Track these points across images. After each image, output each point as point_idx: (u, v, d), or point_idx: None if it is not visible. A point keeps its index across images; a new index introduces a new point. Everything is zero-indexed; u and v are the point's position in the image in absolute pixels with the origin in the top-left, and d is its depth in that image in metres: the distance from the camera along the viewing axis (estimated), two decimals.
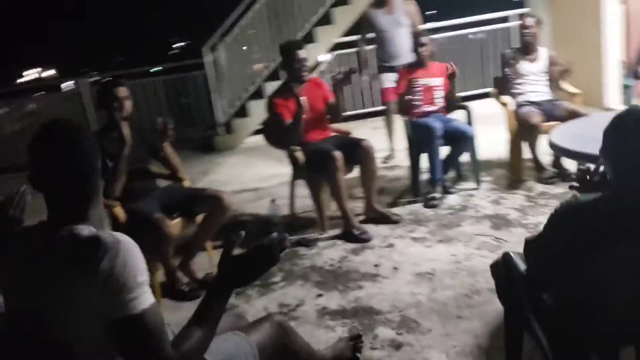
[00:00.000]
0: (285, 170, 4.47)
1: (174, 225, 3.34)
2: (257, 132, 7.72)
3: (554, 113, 4.41)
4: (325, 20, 7.46)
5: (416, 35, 4.71)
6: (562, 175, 4.38)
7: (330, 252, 3.74)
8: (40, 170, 1.42)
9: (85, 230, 1.39)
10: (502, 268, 2.06)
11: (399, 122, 5.05)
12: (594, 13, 6.20)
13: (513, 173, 4.51)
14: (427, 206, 4.24)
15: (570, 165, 4.37)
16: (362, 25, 5.65)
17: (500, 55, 4.87)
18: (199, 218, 3.52)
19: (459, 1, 7.19)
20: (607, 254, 1.48)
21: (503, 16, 8.02)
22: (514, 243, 3.44)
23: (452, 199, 4.34)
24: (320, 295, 3.18)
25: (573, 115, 4.29)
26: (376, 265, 3.43)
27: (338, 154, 3.84)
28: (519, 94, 4.61)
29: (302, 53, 4.02)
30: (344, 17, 7.36)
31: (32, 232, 1.48)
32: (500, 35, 7.96)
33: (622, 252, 1.47)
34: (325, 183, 4.04)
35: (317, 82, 4.25)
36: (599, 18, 6.16)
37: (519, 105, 4.53)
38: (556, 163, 4.49)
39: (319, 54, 7.54)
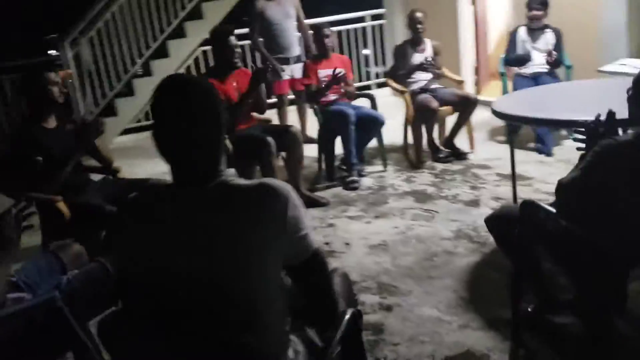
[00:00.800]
0: None
1: None
2: (126, 131, 7.46)
3: (446, 98, 4.90)
4: (196, 14, 7.34)
5: (320, 27, 4.91)
6: (455, 154, 4.88)
7: None
8: (181, 125, 1.37)
9: (241, 180, 1.39)
10: (504, 219, 2.35)
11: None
12: (450, 13, 6.90)
13: (415, 154, 4.91)
14: (347, 189, 4.47)
15: (462, 144, 4.91)
16: (253, 17, 5.44)
17: (393, 47, 5.25)
18: None
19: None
20: None
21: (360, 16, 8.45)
22: (444, 212, 3.82)
23: (366, 181, 4.61)
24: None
25: (464, 99, 4.84)
26: (327, 243, 3.57)
27: (271, 140, 3.91)
28: (413, 82, 5.03)
29: (233, 40, 4.01)
30: (215, 11, 7.33)
31: (167, 194, 1.42)
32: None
33: None
34: (254, 170, 4.08)
35: (245, 71, 4.25)
36: (456, 18, 6.89)
37: (414, 93, 4.95)
38: (448, 143, 4.98)
39: (190, 49, 7.42)
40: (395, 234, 3.60)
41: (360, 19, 8.49)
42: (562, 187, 2.03)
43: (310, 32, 5.29)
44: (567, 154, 4.65)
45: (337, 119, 4.57)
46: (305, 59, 5.29)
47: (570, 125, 3.01)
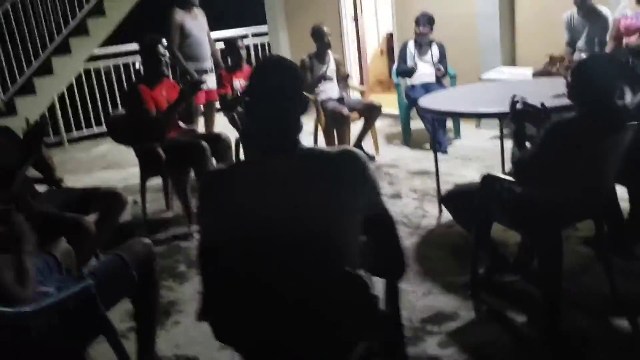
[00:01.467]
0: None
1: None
2: None
3: (352, 106, 5.31)
4: (82, 31, 7.13)
5: (235, 40, 5.10)
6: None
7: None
8: (276, 98, 1.56)
9: (318, 148, 1.61)
10: (460, 196, 2.75)
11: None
12: (335, 30, 7.39)
13: None
14: None
15: (368, 148, 5.34)
16: (172, 28, 5.29)
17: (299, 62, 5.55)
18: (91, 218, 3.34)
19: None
20: (587, 150, 2.28)
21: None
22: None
23: None
24: None
25: (369, 106, 5.29)
26: None
27: (206, 145, 4.02)
28: (321, 92, 5.39)
29: (161, 49, 4.07)
30: (101, 28, 7.19)
31: (254, 165, 1.58)
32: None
33: (595, 148, 2.29)
34: (188, 176, 4.17)
35: (172, 83, 4.31)
36: (341, 34, 7.40)
37: (324, 102, 5.31)
38: (356, 147, 5.37)
39: (76, 66, 7.19)
40: None
41: (243, 37, 8.75)
42: (523, 161, 2.44)
43: (219, 44, 5.44)
44: (459, 151, 5.27)
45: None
46: (217, 70, 5.42)
47: (489, 115, 3.57)
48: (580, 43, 4.82)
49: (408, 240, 3.54)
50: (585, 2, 4.70)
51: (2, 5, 6.61)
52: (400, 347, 1.98)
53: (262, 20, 8.33)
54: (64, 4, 6.95)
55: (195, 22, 5.43)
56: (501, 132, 4.21)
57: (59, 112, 7.32)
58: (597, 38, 4.70)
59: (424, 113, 3.72)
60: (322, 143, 5.46)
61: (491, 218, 2.67)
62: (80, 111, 7.51)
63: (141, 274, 2.20)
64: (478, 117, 4.29)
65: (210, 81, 5.22)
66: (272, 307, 1.54)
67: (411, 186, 4.52)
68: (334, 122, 5.20)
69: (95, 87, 7.50)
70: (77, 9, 7.02)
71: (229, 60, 5.15)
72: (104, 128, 6.73)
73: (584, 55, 4.68)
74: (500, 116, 3.55)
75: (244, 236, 1.54)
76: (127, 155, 6.41)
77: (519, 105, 2.59)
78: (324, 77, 5.28)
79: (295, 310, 1.53)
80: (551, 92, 3.21)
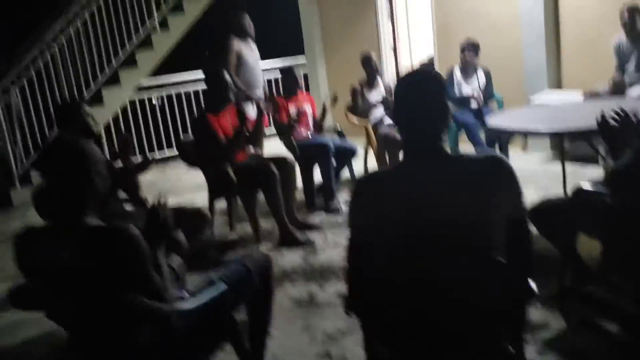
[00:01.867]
0: None
1: None
2: None
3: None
4: (130, 62, 7.39)
5: (292, 69, 5.29)
6: None
7: (285, 258, 4.01)
8: (426, 105, 1.68)
9: (465, 154, 1.73)
10: (547, 211, 2.83)
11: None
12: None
13: None
14: (331, 213, 4.78)
15: None
16: (232, 57, 5.46)
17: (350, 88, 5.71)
18: None
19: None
20: None
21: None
22: None
23: (344, 206, 4.97)
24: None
25: None
26: None
27: (275, 169, 4.16)
28: (371, 117, 5.54)
29: (226, 74, 4.27)
30: (149, 59, 7.45)
31: (412, 168, 1.70)
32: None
33: None
34: (256, 198, 4.30)
35: (235, 108, 4.46)
36: (379, 61, 7.58)
37: (375, 126, 5.45)
38: None
39: (125, 97, 7.42)
40: None
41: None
42: (618, 171, 2.52)
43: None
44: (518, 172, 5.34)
45: (315, 149, 4.91)
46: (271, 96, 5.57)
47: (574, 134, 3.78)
48: (631, 67, 4.94)
49: None
50: (634, 28, 4.84)
51: (58, 38, 6.86)
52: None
53: (301, 51, 8.55)
54: (114, 38, 7.21)
55: (251, 52, 5.62)
56: (562, 153, 4.30)
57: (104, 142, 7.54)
58: None
59: (499, 132, 3.85)
60: (372, 166, 5.60)
61: (579, 229, 2.75)
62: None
63: (260, 283, 2.31)
64: (561, 135, 4.28)
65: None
66: (425, 298, 1.64)
67: None
68: (386, 146, 5.33)
69: (140, 117, 7.72)
70: (126, 41, 7.29)
71: (285, 87, 5.32)
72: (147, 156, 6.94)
73: (634, 82, 4.82)
74: (587, 134, 3.62)
75: (397, 235, 1.65)
76: (177, 182, 6.61)
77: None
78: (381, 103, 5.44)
79: (446, 299, 1.63)
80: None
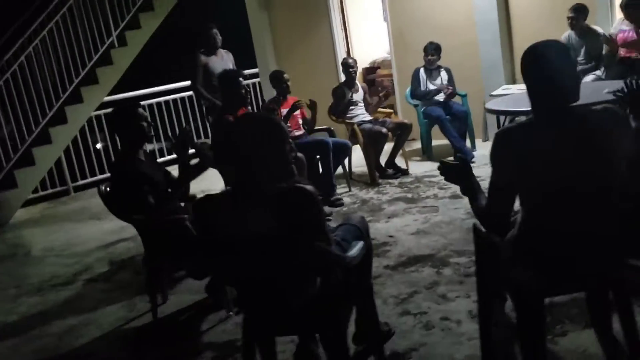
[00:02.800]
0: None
1: None
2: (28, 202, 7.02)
3: (385, 126, 5.87)
4: (92, 79, 7.33)
5: (280, 74, 5.56)
6: (399, 171, 5.83)
7: None
8: (560, 69, 2.05)
9: (586, 108, 2.12)
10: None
11: None
12: (330, 64, 7.99)
13: (370, 175, 5.74)
14: (334, 206, 5.10)
15: (402, 163, 5.89)
16: (197, 68, 5.77)
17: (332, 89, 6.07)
18: None
19: None
20: None
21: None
22: (441, 205, 4.71)
23: (345, 199, 5.30)
24: None
25: (401, 125, 5.87)
26: (373, 239, 4.18)
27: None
28: (353, 116, 5.93)
29: (243, 80, 4.49)
30: (110, 76, 7.43)
31: (548, 125, 2.05)
32: None
33: None
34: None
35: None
36: (336, 67, 8.01)
37: (359, 124, 5.84)
38: (390, 163, 5.91)
39: (88, 114, 7.35)
40: (422, 223, 4.37)
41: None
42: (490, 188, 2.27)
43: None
44: (481, 160, 5.89)
45: (315, 148, 5.22)
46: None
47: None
48: (580, 58, 5.66)
49: None
50: (578, 23, 5.57)
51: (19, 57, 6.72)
52: None
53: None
54: (75, 56, 7.16)
55: (221, 62, 5.84)
56: None
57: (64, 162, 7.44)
58: (594, 53, 5.56)
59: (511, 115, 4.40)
60: (358, 161, 5.98)
61: None
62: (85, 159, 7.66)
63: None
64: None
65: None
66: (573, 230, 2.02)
67: None
68: (372, 141, 5.72)
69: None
70: (86, 59, 7.25)
71: (277, 93, 5.58)
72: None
73: (585, 70, 5.54)
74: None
75: (539, 180, 2.02)
76: None
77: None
78: (356, 103, 5.85)
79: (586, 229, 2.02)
80: (606, 89, 3.90)
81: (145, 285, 3.55)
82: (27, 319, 3.90)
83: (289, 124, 5.25)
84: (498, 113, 4.62)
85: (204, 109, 6.39)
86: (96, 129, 7.65)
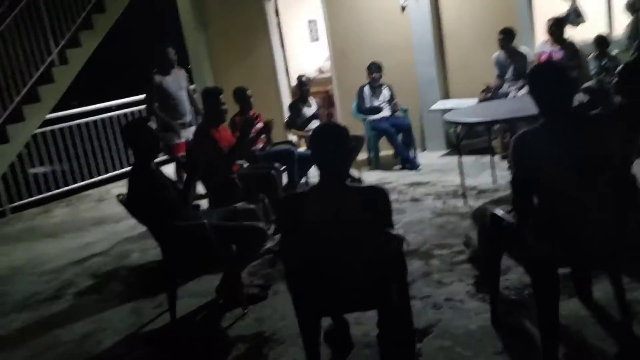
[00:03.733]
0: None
1: None
2: None
3: None
4: (33, 97, 7.21)
5: (243, 90, 5.85)
6: (353, 179, 6.28)
7: None
8: (561, 79, 2.56)
9: (578, 110, 2.65)
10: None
11: None
12: (271, 80, 8.35)
13: None
14: None
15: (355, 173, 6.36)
16: (152, 88, 5.87)
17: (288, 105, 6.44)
18: None
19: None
20: None
21: None
22: (406, 208, 5.19)
23: None
24: None
25: (354, 138, 6.28)
26: None
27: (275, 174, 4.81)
28: (310, 130, 6.33)
29: (222, 97, 4.74)
30: (51, 94, 7.35)
31: (554, 123, 2.55)
32: None
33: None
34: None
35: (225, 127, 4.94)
36: (276, 85, 8.39)
37: None
38: None
39: (30, 132, 7.22)
40: None
41: None
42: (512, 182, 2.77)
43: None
44: (427, 167, 6.49)
45: (283, 157, 5.57)
46: (196, 121, 6.02)
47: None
48: (508, 76, 6.43)
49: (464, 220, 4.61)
50: (507, 45, 6.35)
51: None
52: None
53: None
54: (15, 74, 7.03)
55: (175, 80, 5.99)
56: (458, 147, 5.40)
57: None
58: (521, 71, 6.34)
59: (470, 124, 5.00)
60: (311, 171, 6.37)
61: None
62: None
63: None
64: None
65: (189, 133, 5.69)
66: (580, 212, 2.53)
67: (420, 193, 5.61)
68: None
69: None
70: (27, 77, 7.13)
71: (240, 108, 5.86)
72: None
73: (511, 86, 6.31)
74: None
75: (556, 173, 2.51)
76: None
77: None
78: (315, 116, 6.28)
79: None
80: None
81: (165, 287, 3.69)
82: (29, 331, 3.92)
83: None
84: (458, 123, 5.19)
85: (157, 127, 6.48)
86: (36, 154, 7.58)
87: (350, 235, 2.42)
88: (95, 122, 8.20)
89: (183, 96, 6.06)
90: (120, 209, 3.89)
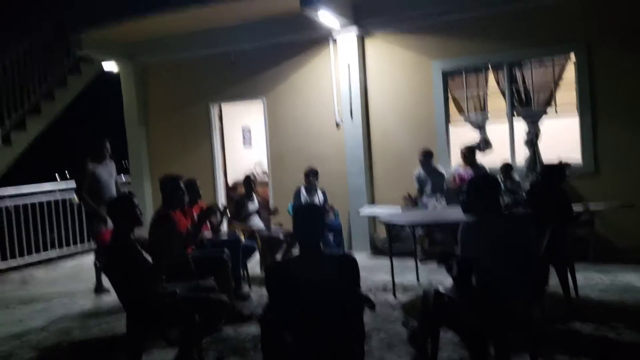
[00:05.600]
0: None
1: None
2: None
3: (277, 233, 6.84)
4: None
5: (194, 181, 6.28)
6: None
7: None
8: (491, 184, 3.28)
9: (507, 212, 3.37)
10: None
11: None
12: (208, 176, 8.84)
13: None
14: (242, 299, 5.79)
15: None
16: (85, 175, 6.28)
17: (234, 200, 6.92)
18: None
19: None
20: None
21: None
22: None
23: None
24: None
25: (290, 234, 6.88)
26: None
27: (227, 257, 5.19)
28: (252, 224, 6.82)
29: (182, 183, 5.18)
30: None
31: (487, 221, 3.24)
32: None
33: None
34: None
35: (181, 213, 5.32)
36: (213, 182, 8.88)
37: (257, 231, 6.73)
38: None
39: None
40: None
41: None
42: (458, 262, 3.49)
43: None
44: None
45: (231, 245, 5.95)
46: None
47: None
48: (427, 189, 7.33)
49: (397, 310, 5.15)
50: (427, 163, 7.30)
51: None
52: None
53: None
54: None
55: (106, 170, 6.47)
56: (390, 247, 6.04)
57: None
58: (439, 186, 7.26)
59: (406, 225, 5.65)
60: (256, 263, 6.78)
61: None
62: None
63: None
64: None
65: None
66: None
67: None
68: (270, 246, 6.62)
69: None
70: None
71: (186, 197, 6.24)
72: None
73: (430, 199, 7.19)
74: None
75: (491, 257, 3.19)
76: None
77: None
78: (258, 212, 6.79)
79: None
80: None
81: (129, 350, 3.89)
82: None
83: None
84: (392, 223, 5.88)
85: (85, 213, 6.75)
86: None
87: (330, 295, 2.90)
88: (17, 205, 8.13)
89: (112, 185, 6.47)
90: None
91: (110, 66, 9.25)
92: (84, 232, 8.66)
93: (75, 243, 8.73)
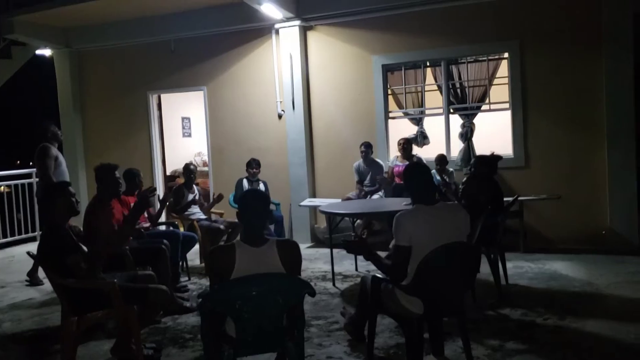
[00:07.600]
0: None
1: None
2: None
3: (220, 223, 6.81)
4: None
5: (137, 173, 6.17)
6: None
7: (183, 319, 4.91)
8: (426, 174, 3.39)
9: (442, 202, 3.49)
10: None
11: None
12: (146, 165, 8.70)
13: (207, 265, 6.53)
14: (180, 291, 5.74)
15: None
16: (49, 159, 6.17)
17: (173, 190, 6.83)
18: None
19: None
20: None
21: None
22: None
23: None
24: None
25: (233, 224, 6.87)
26: None
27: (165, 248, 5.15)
28: (190, 214, 6.76)
29: (117, 173, 5.07)
30: None
31: (426, 209, 3.36)
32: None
33: None
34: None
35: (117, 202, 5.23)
36: (151, 170, 8.73)
37: (198, 221, 6.68)
38: None
39: None
40: None
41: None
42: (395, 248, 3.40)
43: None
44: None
45: (169, 236, 5.89)
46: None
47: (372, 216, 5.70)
48: (366, 182, 7.46)
49: (334, 298, 5.25)
50: (367, 156, 7.43)
51: None
52: None
53: None
54: None
55: (62, 155, 6.42)
56: (330, 238, 6.27)
57: None
58: (377, 178, 7.42)
59: (343, 216, 5.76)
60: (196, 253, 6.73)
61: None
62: None
63: None
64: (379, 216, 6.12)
65: None
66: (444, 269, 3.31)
67: None
68: (211, 236, 6.59)
69: None
70: None
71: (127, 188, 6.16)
72: None
73: (369, 189, 7.34)
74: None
75: (430, 242, 3.29)
76: None
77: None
78: (195, 202, 6.74)
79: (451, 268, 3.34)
80: (403, 202, 5.53)
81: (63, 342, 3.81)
82: None
83: None
84: (332, 214, 5.95)
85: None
86: None
87: (272, 280, 2.93)
88: None
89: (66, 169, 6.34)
90: None
91: (44, 51, 8.93)
92: (14, 223, 8.36)
93: (5, 235, 8.41)
